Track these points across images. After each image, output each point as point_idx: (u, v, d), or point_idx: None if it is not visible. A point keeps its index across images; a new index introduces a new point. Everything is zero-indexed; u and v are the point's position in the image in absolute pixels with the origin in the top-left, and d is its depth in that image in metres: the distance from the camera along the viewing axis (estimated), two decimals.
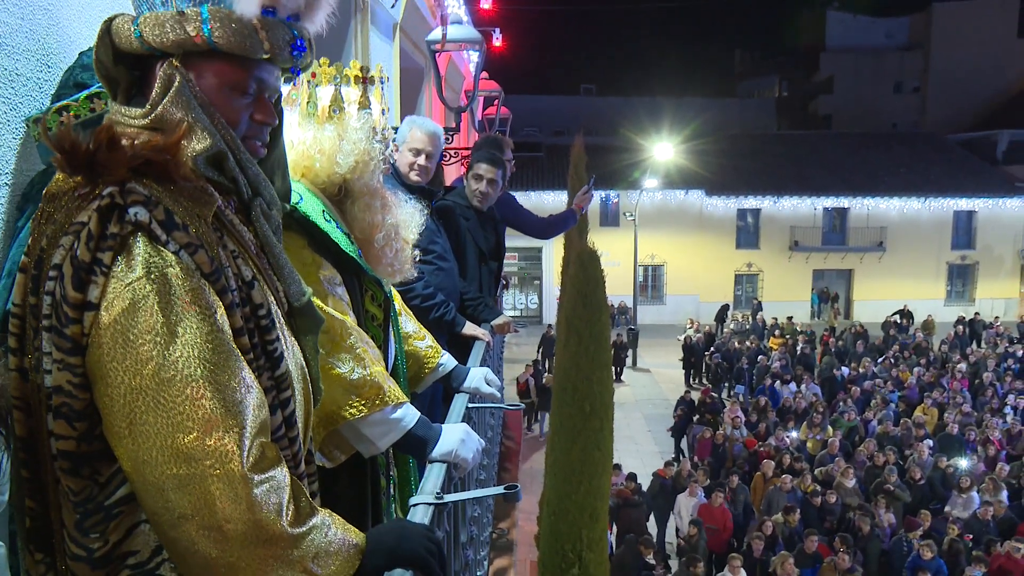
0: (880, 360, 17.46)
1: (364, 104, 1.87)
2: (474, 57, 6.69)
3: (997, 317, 23.51)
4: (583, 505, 3.05)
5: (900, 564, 8.45)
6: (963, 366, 16.45)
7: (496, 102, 9.92)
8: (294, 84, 1.83)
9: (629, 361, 20.44)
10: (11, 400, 1.12)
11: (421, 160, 2.81)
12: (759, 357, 17.46)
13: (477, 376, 2.31)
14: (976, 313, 23.54)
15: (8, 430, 1.15)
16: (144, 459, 1.02)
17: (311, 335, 1.35)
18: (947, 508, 9.73)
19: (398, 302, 2.15)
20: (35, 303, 1.08)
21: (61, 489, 1.08)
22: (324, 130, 1.81)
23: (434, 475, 1.67)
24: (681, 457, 13.04)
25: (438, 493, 1.58)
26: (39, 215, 1.13)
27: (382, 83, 1.95)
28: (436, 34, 5.77)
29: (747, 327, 21.64)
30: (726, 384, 17.33)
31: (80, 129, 1.14)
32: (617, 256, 22.93)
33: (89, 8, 1.96)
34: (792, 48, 47.12)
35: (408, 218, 1.98)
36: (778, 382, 15.22)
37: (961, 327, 20.97)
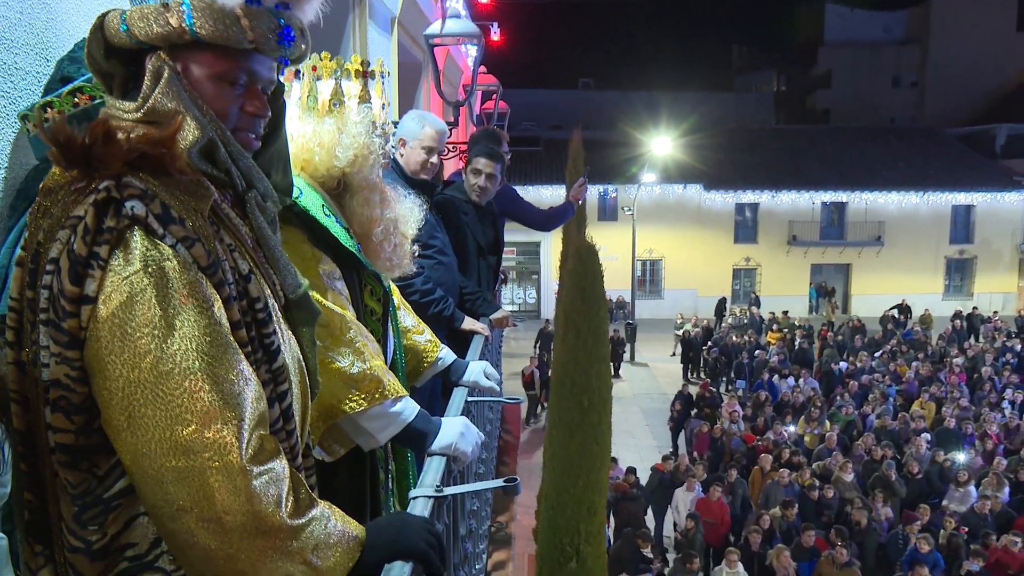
0: (878, 355, 17.49)
1: (364, 98, 1.86)
2: (472, 51, 6.68)
3: (996, 311, 23.56)
4: (581, 499, 3.06)
5: (897, 558, 8.48)
6: (960, 360, 16.49)
7: (494, 96, 9.91)
8: (298, 77, 1.82)
9: (627, 356, 20.47)
10: (9, 393, 1.13)
11: (434, 158, 2.83)
12: (756, 351, 17.49)
13: (476, 370, 2.31)
14: (974, 308, 23.59)
15: (7, 423, 1.15)
16: (143, 452, 1.02)
17: (308, 327, 1.35)
18: (944, 502, 9.75)
19: (397, 297, 2.15)
20: (32, 297, 1.09)
21: (59, 482, 1.09)
22: (324, 123, 1.81)
23: (433, 468, 1.68)
24: (679, 451, 13.07)
25: (438, 486, 1.58)
26: (36, 209, 1.13)
27: (383, 77, 1.95)
28: (434, 28, 5.76)
29: (745, 321, 21.67)
30: (724, 379, 17.37)
31: (74, 123, 1.15)
32: (615, 250, 22.93)
33: (87, 2, 1.95)
34: (790, 42, 47.05)
35: (407, 213, 1.98)
36: (776, 376, 15.25)
37: (959, 321, 21.02)
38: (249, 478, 1.04)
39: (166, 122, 1.12)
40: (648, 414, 16.18)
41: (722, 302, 25.04)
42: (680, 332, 20.10)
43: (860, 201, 27.42)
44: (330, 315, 1.67)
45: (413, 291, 2.80)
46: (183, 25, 1.13)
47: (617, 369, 18.45)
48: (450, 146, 5.99)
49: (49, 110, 1.60)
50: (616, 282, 22.95)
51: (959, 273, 28.47)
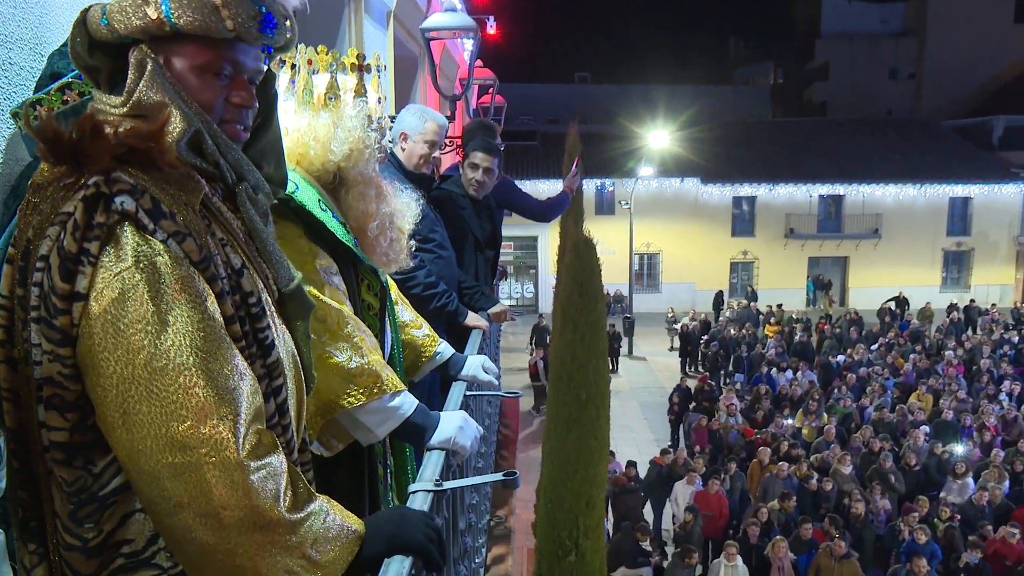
0: (875, 347, 17.53)
1: (360, 92, 1.86)
2: (468, 45, 6.66)
3: (994, 304, 23.59)
4: (580, 493, 3.07)
5: (894, 549, 8.52)
6: (956, 352, 16.53)
7: (491, 90, 9.89)
8: (295, 69, 1.81)
9: (625, 349, 20.49)
10: (0, 391, 1.12)
11: (435, 153, 2.85)
12: (755, 345, 17.52)
13: (475, 364, 2.31)
14: (972, 300, 23.62)
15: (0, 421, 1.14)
16: (139, 449, 1.02)
17: (302, 320, 1.34)
18: (942, 494, 9.78)
19: (394, 291, 2.15)
20: (23, 294, 1.08)
21: (54, 480, 1.08)
22: (319, 117, 1.80)
23: (432, 462, 1.68)
24: (679, 445, 13.10)
25: (437, 480, 1.58)
26: (25, 206, 1.12)
27: (379, 72, 1.94)
28: (431, 22, 5.74)
29: (742, 314, 21.71)
30: (723, 372, 17.38)
31: (62, 119, 1.14)
32: (613, 244, 22.93)
33: None
34: (787, 35, 47.02)
35: (404, 207, 1.97)
36: (774, 370, 15.28)
37: (955, 314, 21.05)
38: (247, 473, 1.03)
39: (153, 115, 1.11)
40: (646, 408, 16.21)
41: (719, 295, 25.08)
42: (678, 326, 20.11)
43: (857, 194, 27.43)
44: (327, 310, 1.67)
45: (416, 284, 2.80)
46: (161, 17, 1.11)
47: (614, 365, 18.47)
48: (446, 140, 5.97)
49: (39, 107, 1.59)
50: (614, 276, 22.99)
51: (956, 265, 28.51)
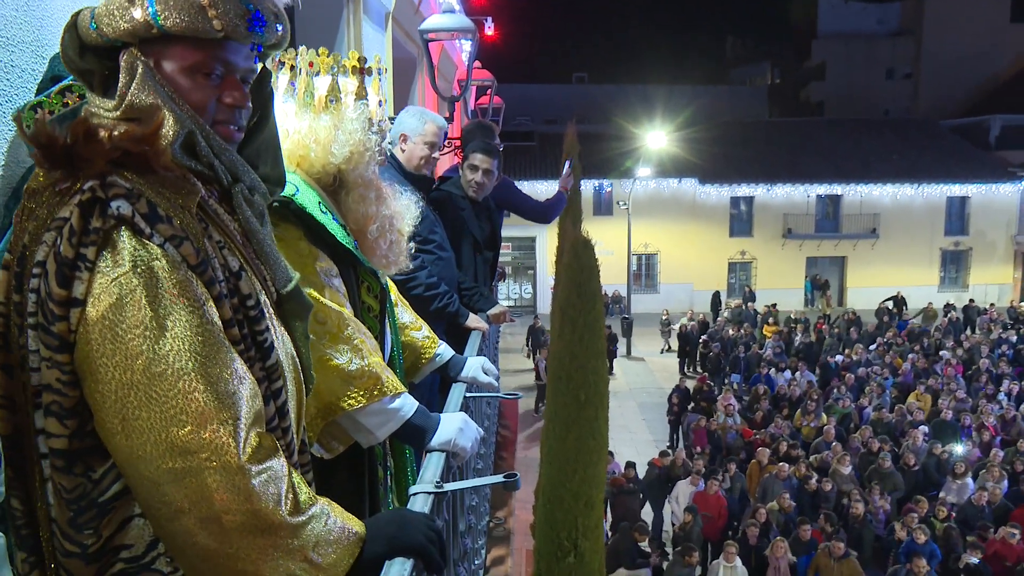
0: (873, 347, 17.54)
1: (361, 95, 1.86)
2: (467, 46, 6.66)
3: (992, 304, 23.60)
4: (578, 493, 3.07)
5: (893, 550, 8.52)
6: (955, 351, 16.53)
7: (489, 91, 9.89)
8: (294, 70, 1.81)
9: (623, 350, 20.50)
10: None
11: (435, 154, 2.87)
12: (752, 345, 17.52)
13: (474, 365, 2.31)
14: (971, 300, 23.64)
15: None
16: (138, 455, 1.01)
17: (300, 321, 1.33)
18: (942, 494, 9.77)
19: (394, 293, 2.15)
20: (19, 300, 1.07)
21: (53, 487, 1.07)
22: (320, 120, 1.80)
23: (433, 464, 1.68)
24: (677, 445, 13.10)
25: (437, 482, 1.58)
26: (21, 211, 1.11)
27: (380, 74, 1.94)
28: (429, 23, 5.74)
29: (749, 315, 21.73)
30: (723, 372, 17.37)
31: (57, 123, 1.12)
32: (611, 245, 22.94)
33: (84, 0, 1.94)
34: (783, 35, 47.07)
35: (403, 210, 1.97)
36: (772, 370, 15.29)
37: (953, 313, 21.07)
38: (248, 477, 1.03)
39: (146, 118, 1.10)
40: (645, 408, 16.21)
41: (717, 296, 25.09)
42: (674, 327, 20.11)
43: (855, 194, 27.47)
44: (327, 312, 1.67)
45: (417, 284, 2.81)
46: (148, 19, 1.11)
47: (609, 367, 18.47)
48: (445, 141, 5.97)
49: (40, 110, 1.59)
50: (612, 277, 23.01)
51: (954, 265, 28.55)
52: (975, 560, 7.85)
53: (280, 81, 1.80)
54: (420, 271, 2.80)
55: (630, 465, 10.09)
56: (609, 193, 26.60)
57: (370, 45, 5.35)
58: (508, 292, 26.70)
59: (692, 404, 13.75)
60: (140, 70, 1.12)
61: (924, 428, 11.53)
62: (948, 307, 22.05)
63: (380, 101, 1.91)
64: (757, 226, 27.73)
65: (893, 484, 9.84)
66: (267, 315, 1.21)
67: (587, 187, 25.57)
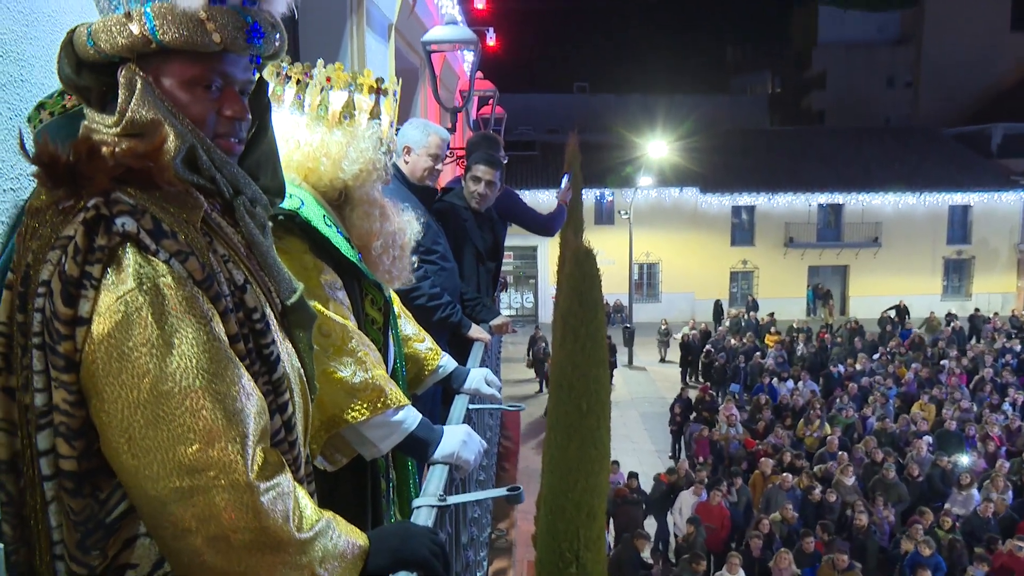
0: (876, 356, 17.50)
1: (375, 114, 1.87)
2: (469, 57, 6.70)
3: (996, 313, 23.54)
4: (580, 503, 3.06)
5: (897, 562, 8.46)
6: (959, 361, 16.47)
7: (491, 101, 9.92)
8: (300, 85, 1.82)
9: (625, 359, 20.48)
10: None
11: (439, 165, 2.91)
12: (755, 355, 17.49)
13: (477, 377, 2.32)
14: (976, 309, 23.60)
15: None
16: (145, 474, 1.00)
17: (304, 331, 1.33)
18: (947, 505, 9.70)
19: (397, 305, 2.16)
20: (23, 320, 1.06)
21: (60, 509, 1.05)
22: (333, 135, 1.81)
23: (436, 477, 1.68)
24: (680, 456, 13.06)
25: (441, 495, 1.58)
26: (23, 230, 1.10)
27: (394, 96, 1.95)
28: (432, 34, 5.77)
29: (741, 324, 21.72)
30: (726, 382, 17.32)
31: (54, 132, 1.13)
32: (612, 254, 22.95)
33: (92, 15, 1.95)
34: (784, 44, 47.22)
35: (406, 225, 1.99)
36: (775, 380, 15.25)
37: (956, 323, 21.01)
38: (257, 494, 1.03)
39: (148, 133, 1.09)
40: (646, 418, 16.18)
41: (718, 305, 25.08)
42: (676, 336, 20.09)
43: (857, 202, 27.48)
44: (331, 325, 1.68)
45: (420, 295, 2.83)
46: (146, 33, 1.09)
47: (610, 378, 18.38)
48: (448, 152, 5.99)
49: (42, 111, 1.59)
50: (613, 286, 23.00)
51: (957, 274, 28.52)
52: (981, 573, 7.78)
53: (287, 94, 1.82)
54: (423, 282, 2.82)
55: (633, 475, 10.05)
56: (610, 202, 26.64)
57: (373, 56, 5.38)
58: (510, 301, 26.71)
59: (694, 414, 13.72)
60: (139, 85, 1.11)
61: (928, 438, 11.48)
62: (950, 316, 22.00)
63: (391, 121, 1.93)
64: (759, 235, 27.74)
65: (897, 495, 9.79)
66: (272, 328, 1.20)
67: (588, 196, 25.62)
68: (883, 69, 41.07)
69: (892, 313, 23.04)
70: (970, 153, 29.36)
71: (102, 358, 1.01)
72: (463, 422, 2.05)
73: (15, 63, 1.68)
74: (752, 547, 8.52)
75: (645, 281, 27.71)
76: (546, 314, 24.89)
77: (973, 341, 20.18)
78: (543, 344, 17.24)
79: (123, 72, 1.12)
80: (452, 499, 1.61)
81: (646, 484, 10.34)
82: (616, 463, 10.55)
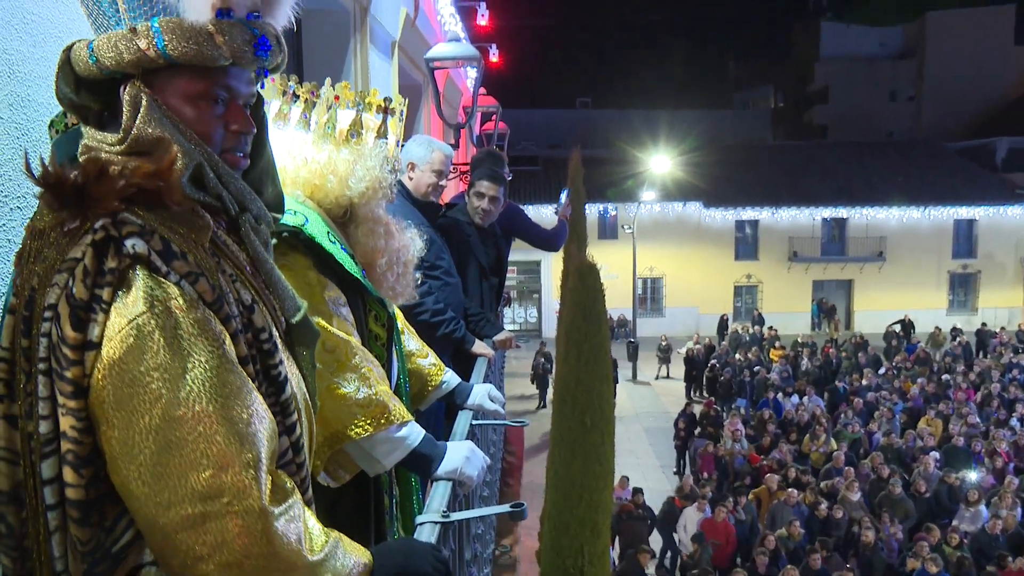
0: (882, 371, 17.40)
1: (382, 133, 1.89)
2: (472, 73, 6.74)
3: (1003, 327, 23.40)
4: (584, 519, 3.05)
5: None
6: (966, 376, 16.37)
7: (494, 117, 9.98)
8: (307, 104, 1.84)
9: (629, 374, 20.42)
10: None
11: (443, 181, 2.93)
12: (759, 369, 17.42)
13: (480, 393, 2.32)
14: (983, 324, 23.48)
15: None
16: (157, 501, 0.98)
17: (308, 349, 1.31)
18: (955, 522, 9.59)
19: (401, 321, 2.16)
20: (27, 346, 1.03)
21: (65, 540, 1.03)
22: (340, 153, 1.82)
23: (439, 493, 1.68)
24: (685, 471, 12.97)
25: (444, 511, 1.58)
26: (25, 253, 1.07)
27: (401, 115, 1.98)
28: (435, 51, 5.82)
29: (746, 339, 21.65)
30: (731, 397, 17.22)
31: (56, 148, 1.11)
32: (616, 269, 22.96)
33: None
34: (786, 58, 47.46)
35: (409, 242, 2.00)
36: (780, 394, 15.18)
37: (963, 337, 20.89)
38: (271, 520, 1.01)
39: (155, 152, 1.07)
40: (650, 433, 16.10)
41: (724, 320, 25.02)
42: (683, 351, 20.02)
43: (861, 216, 27.45)
44: (335, 341, 1.68)
45: (424, 311, 2.83)
46: (154, 49, 1.07)
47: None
48: (451, 167, 6.02)
49: (51, 129, 1.60)
50: (617, 300, 22.91)
51: (963, 288, 28.41)
52: None
53: (293, 113, 1.83)
54: (427, 297, 2.83)
55: (638, 491, 9.98)
56: (614, 217, 26.67)
57: (376, 73, 5.42)
58: (513, 316, 26.69)
59: (699, 429, 13.65)
60: (145, 102, 1.09)
61: (935, 454, 11.38)
62: (956, 331, 21.91)
63: (397, 140, 1.95)
64: (763, 249, 27.72)
65: (904, 511, 9.70)
66: (279, 347, 1.18)
67: (592, 211, 25.66)
68: (886, 83, 41.21)
69: (897, 328, 22.96)
70: (974, 167, 29.34)
71: (113, 383, 0.98)
72: (467, 438, 2.05)
73: (22, 83, 1.70)
74: (758, 564, 8.45)
75: (649, 296, 27.68)
76: (550, 329, 24.85)
77: (980, 356, 20.05)
78: (542, 359, 17.24)
79: (127, 89, 1.09)
80: (455, 515, 1.61)
81: (651, 499, 10.27)
82: (626, 478, 10.49)
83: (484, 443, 2.66)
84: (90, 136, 1.11)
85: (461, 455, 1.78)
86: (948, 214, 27.51)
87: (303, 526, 1.07)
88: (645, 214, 25.40)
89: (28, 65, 1.72)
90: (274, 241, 1.35)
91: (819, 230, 27.62)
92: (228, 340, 1.07)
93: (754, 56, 52.83)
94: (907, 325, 23.25)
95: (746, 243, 27.83)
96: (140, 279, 1.01)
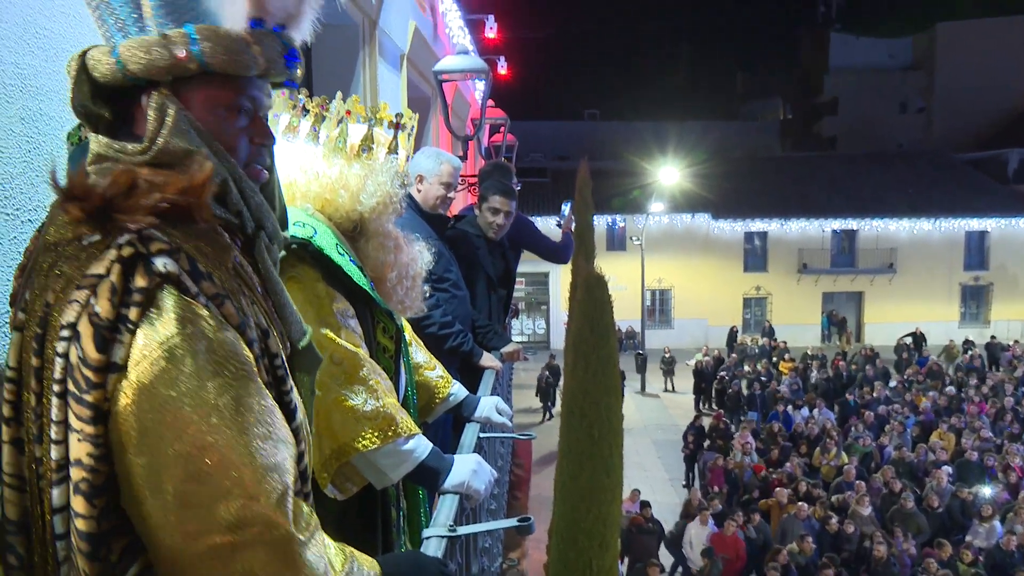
0: (893, 384, 17.26)
1: (394, 148, 1.90)
2: (480, 86, 6.77)
3: (1016, 340, 23.17)
4: (592, 533, 3.02)
5: None
6: (978, 388, 16.21)
7: (502, 129, 10.01)
8: (318, 118, 1.84)
9: (637, 386, 20.33)
10: (3, 478, 1.01)
11: (451, 194, 2.95)
12: (770, 381, 17.31)
13: (488, 405, 2.31)
14: (992, 336, 23.27)
15: None
16: (184, 530, 0.94)
17: (309, 375, 1.27)
18: (968, 538, 9.47)
19: (408, 333, 2.16)
20: (38, 365, 0.97)
21: (73, 572, 0.98)
22: (352, 167, 1.83)
23: (446, 507, 1.67)
24: (694, 484, 12.88)
25: (451, 525, 1.57)
26: (36, 267, 1.02)
27: (411, 131, 1.98)
28: (443, 64, 5.85)
29: (755, 351, 21.54)
30: (740, 409, 17.11)
31: (75, 159, 1.08)
32: (624, 280, 22.92)
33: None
34: (794, 70, 47.49)
35: (418, 255, 2.00)
36: (790, 407, 15.07)
37: (975, 350, 20.71)
38: (299, 547, 0.99)
39: (188, 166, 1.02)
40: (659, 445, 16.01)
41: (733, 332, 24.91)
42: (691, 363, 19.94)
43: (871, 228, 27.32)
44: (344, 353, 1.68)
45: (432, 323, 2.83)
46: (191, 55, 1.03)
47: None
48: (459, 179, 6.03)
49: (68, 144, 1.60)
50: (625, 312, 22.93)
51: (975, 300, 28.17)
52: None
53: (302, 126, 1.84)
54: (435, 310, 2.83)
55: (645, 504, 9.90)
56: (622, 228, 26.66)
57: (385, 86, 5.45)
58: (521, 328, 26.67)
59: (708, 442, 13.56)
60: (172, 111, 1.04)
61: (948, 468, 11.25)
62: (968, 343, 21.72)
63: (407, 156, 1.96)
64: (772, 261, 27.62)
65: (916, 526, 9.59)
66: (289, 373, 1.15)
67: (600, 223, 25.66)
68: (895, 94, 41.15)
69: (908, 340, 22.78)
70: (985, 178, 29.17)
71: (141, 408, 0.93)
72: (474, 451, 2.04)
73: (34, 97, 1.72)
74: None
75: (657, 307, 27.61)
76: (558, 341, 24.81)
77: (992, 369, 19.87)
78: (547, 373, 17.22)
79: (152, 97, 1.04)
80: (463, 530, 1.60)
81: (660, 512, 10.19)
82: (637, 491, 10.42)
83: (491, 456, 2.65)
84: (103, 145, 1.06)
85: (468, 468, 1.77)
86: (959, 226, 27.32)
87: (326, 550, 1.05)
88: (653, 226, 25.38)
89: (40, 79, 1.73)
90: (282, 254, 1.32)
91: (829, 242, 27.50)
92: (254, 365, 1.03)
93: (762, 67, 52.92)
94: (918, 338, 23.06)
95: (755, 255, 27.74)
96: (170, 300, 0.95)
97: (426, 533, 1.55)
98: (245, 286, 1.09)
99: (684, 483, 13.60)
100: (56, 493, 0.96)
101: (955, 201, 27.49)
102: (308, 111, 1.84)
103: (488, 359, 3.08)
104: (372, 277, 1.87)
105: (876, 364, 18.76)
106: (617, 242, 26.69)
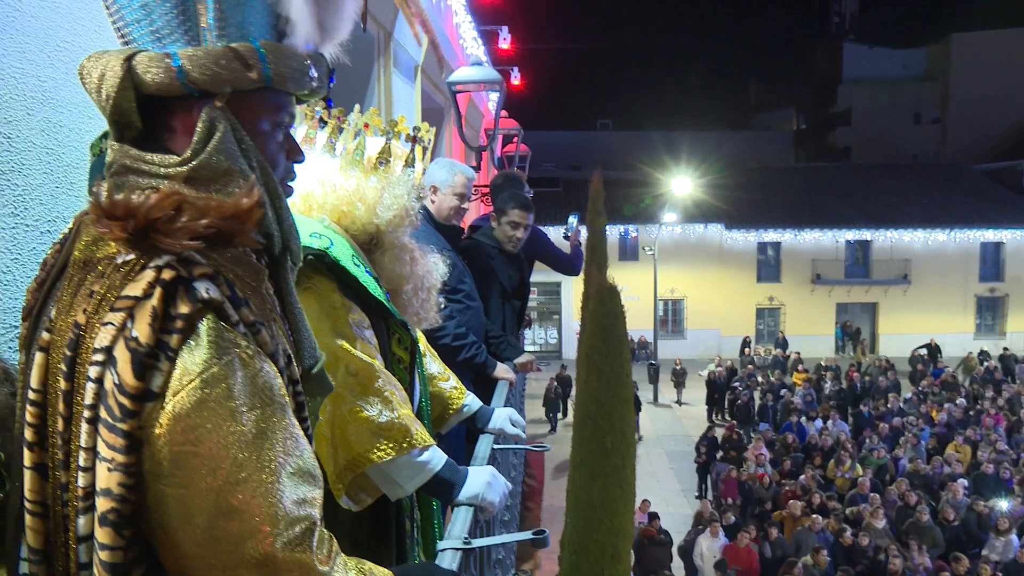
0: (908, 396, 17.11)
1: (411, 162, 1.91)
2: (494, 96, 6.80)
3: None
4: (604, 544, 3.00)
5: None
6: (994, 400, 16.04)
7: (515, 139, 10.03)
8: (335, 130, 1.86)
9: (649, 396, 20.24)
10: (25, 504, 0.97)
11: (465, 204, 2.96)
12: (783, 392, 17.20)
13: (502, 417, 2.30)
14: (1005, 348, 23.01)
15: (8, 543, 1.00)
16: (211, 563, 0.91)
17: (314, 400, 1.22)
18: (984, 552, 9.37)
19: (423, 343, 2.16)
20: (67, 389, 0.94)
21: None
22: (369, 180, 1.84)
23: (461, 519, 1.67)
24: (707, 496, 12.79)
25: (466, 538, 1.57)
26: (69, 282, 0.98)
27: (428, 144, 2.00)
28: (457, 75, 5.88)
29: (768, 361, 21.41)
30: (753, 421, 17.01)
31: (95, 171, 1.04)
32: (637, 290, 22.86)
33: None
34: (807, 80, 47.35)
35: (433, 267, 2.01)
36: (803, 418, 14.96)
37: (991, 362, 20.51)
38: None
39: (220, 183, 0.99)
40: (672, 456, 15.92)
41: (746, 342, 24.77)
42: (704, 373, 19.84)
43: (885, 239, 27.13)
44: (359, 364, 1.68)
45: (446, 335, 2.83)
46: (260, 71, 1.00)
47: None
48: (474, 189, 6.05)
49: (90, 154, 1.61)
50: (638, 322, 22.85)
51: (990, 312, 27.88)
52: None
53: (319, 138, 1.86)
54: (449, 321, 2.82)
55: (654, 516, 9.84)
56: (635, 238, 26.62)
57: (400, 96, 5.49)
58: (534, 338, 26.63)
59: (720, 453, 13.47)
60: (222, 128, 1.00)
61: (963, 481, 11.13)
62: (983, 355, 21.50)
63: (424, 169, 1.97)
64: (785, 272, 27.47)
65: (932, 539, 9.48)
66: (306, 400, 1.11)
67: (612, 233, 25.60)
68: (910, 105, 40.95)
69: (923, 352, 22.57)
70: (1001, 189, 28.93)
71: (176, 439, 0.90)
72: (488, 462, 2.04)
73: (54, 109, 1.74)
74: None
75: (670, 318, 27.51)
76: (570, 351, 24.78)
77: (1009, 381, 19.66)
78: (555, 384, 17.20)
79: (206, 110, 1.00)
80: (477, 542, 1.60)
81: (672, 523, 10.12)
82: (647, 502, 10.37)
83: (505, 467, 2.64)
84: (130, 155, 1.00)
85: (483, 480, 1.77)
86: (974, 237, 27.08)
87: (347, 574, 1.02)
88: (666, 236, 25.32)
89: (61, 92, 1.75)
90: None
91: (843, 252, 27.32)
92: (287, 396, 1.00)
93: (776, 78, 52.76)
94: (933, 349, 22.84)
95: (768, 265, 27.61)
96: (210, 328, 0.92)
97: (441, 545, 1.55)
98: (270, 309, 1.06)
99: (697, 494, 13.51)
100: (82, 522, 0.93)
101: (970, 212, 27.26)
102: (325, 123, 1.85)
103: (502, 370, 3.07)
104: (388, 289, 1.88)
105: (888, 376, 18.61)
106: (630, 252, 26.65)
